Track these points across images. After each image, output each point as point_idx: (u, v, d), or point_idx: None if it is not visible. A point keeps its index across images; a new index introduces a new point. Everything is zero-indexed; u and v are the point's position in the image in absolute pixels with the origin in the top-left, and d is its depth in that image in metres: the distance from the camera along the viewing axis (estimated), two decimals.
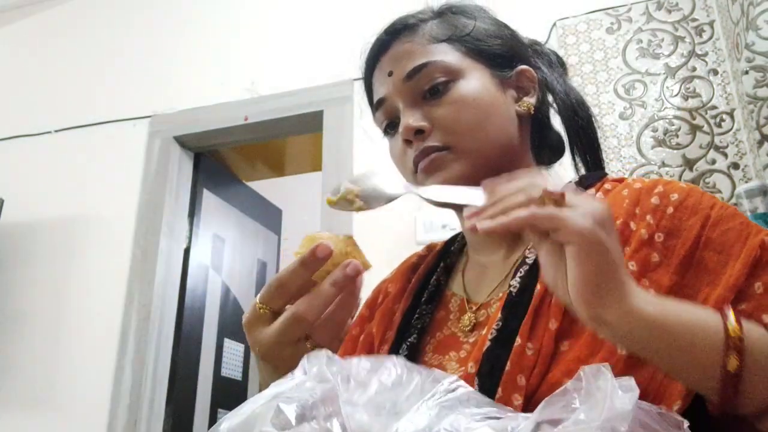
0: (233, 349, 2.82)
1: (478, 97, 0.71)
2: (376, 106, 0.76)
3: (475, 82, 0.72)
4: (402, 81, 0.72)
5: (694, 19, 1.94)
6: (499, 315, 0.62)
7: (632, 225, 0.62)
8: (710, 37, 1.91)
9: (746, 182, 1.68)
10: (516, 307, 0.62)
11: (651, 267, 0.59)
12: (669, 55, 1.92)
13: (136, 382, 2.18)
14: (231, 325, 2.81)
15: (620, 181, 0.71)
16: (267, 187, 3.37)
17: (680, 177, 1.77)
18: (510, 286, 0.64)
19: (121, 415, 2.14)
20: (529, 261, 0.66)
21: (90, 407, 2.18)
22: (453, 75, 0.71)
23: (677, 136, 1.82)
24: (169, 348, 2.35)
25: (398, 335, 0.73)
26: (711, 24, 1.92)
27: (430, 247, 0.87)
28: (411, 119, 0.71)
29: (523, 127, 0.75)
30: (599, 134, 0.82)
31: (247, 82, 2.42)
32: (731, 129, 1.78)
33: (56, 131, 2.65)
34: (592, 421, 0.34)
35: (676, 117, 1.84)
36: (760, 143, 1.57)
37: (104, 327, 2.27)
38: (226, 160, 3.09)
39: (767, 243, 0.59)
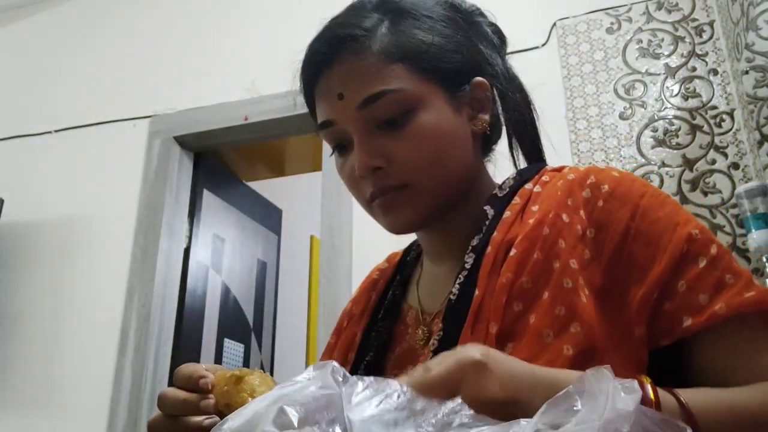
0: (233, 349, 2.82)
1: (437, 129, 0.65)
2: (321, 125, 0.69)
3: (434, 111, 0.66)
4: (355, 109, 0.65)
5: (694, 19, 1.94)
6: (441, 324, 0.62)
7: (564, 217, 0.61)
8: (710, 37, 1.91)
9: (746, 182, 1.68)
10: (456, 314, 0.60)
11: (584, 264, 0.58)
12: (669, 55, 1.93)
13: (136, 382, 2.18)
14: (231, 325, 2.81)
15: (559, 170, 0.69)
16: (267, 187, 3.37)
17: (680, 177, 1.78)
18: (451, 293, 0.63)
19: (121, 415, 2.15)
20: (468, 266, 0.64)
21: (90, 407, 2.19)
22: (411, 105, 0.65)
23: (677, 136, 1.83)
24: (169, 348, 2.35)
25: (358, 356, 0.72)
26: (711, 24, 1.92)
27: (390, 259, 0.86)
28: (367, 156, 0.65)
29: (476, 143, 0.72)
30: (537, 122, 0.78)
31: (247, 82, 2.43)
32: (731, 129, 1.78)
33: (56, 131, 2.65)
34: (593, 422, 0.34)
35: (676, 117, 1.85)
36: (760, 143, 1.57)
37: (104, 327, 2.27)
38: (226, 160, 3.08)
39: (694, 236, 0.58)
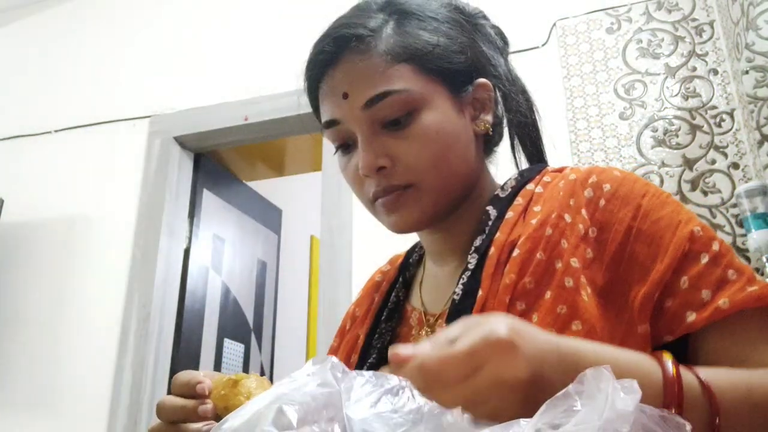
0: (233, 349, 2.82)
1: (440, 130, 0.66)
2: (326, 125, 0.70)
3: (438, 111, 0.67)
4: (360, 109, 0.66)
5: (694, 19, 1.94)
6: (444, 324, 0.62)
7: (567, 217, 0.61)
8: (710, 37, 1.91)
9: (746, 182, 1.68)
10: (460, 315, 0.60)
11: (586, 263, 0.58)
12: (669, 55, 1.92)
13: (136, 382, 2.18)
14: (231, 325, 2.81)
15: (560, 171, 0.70)
16: (267, 187, 3.37)
17: (680, 177, 1.78)
18: (454, 293, 0.63)
19: (121, 415, 2.15)
20: (471, 266, 0.64)
21: (90, 407, 2.19)
22: (416, 105, 0.66)
23: (677, 136, 1.83)
24: (169, 348, 2.35)
25: (361, 358, 0.72)
26: (711, 24, 1.92)
27: (392, 261, 0.86)
28: (372, 155, 0.66)
29: (479, 144, 0.73)
30: (539, 123, 0.78)
31: (247, 82, 2.43)
32: (731, 129, 1.78)
33: (56, 131, 2.65)
34: (593, 422, 0.34)
35: (676, 117, 1.85)
36: (760, 143, 1.57)
37: (104, 327, 2.27)
38: (226, 160, 3.08)
39: (696, 234, 0.58)
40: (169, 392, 0.60)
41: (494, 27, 0.79)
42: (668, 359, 0.48)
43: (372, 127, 0.67)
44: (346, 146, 0.70)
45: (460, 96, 0.70)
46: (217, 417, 0.58)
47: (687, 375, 0.48)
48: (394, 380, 0.41)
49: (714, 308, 0.54)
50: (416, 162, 0.65)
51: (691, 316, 0.55)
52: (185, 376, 0.58)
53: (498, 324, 0.43)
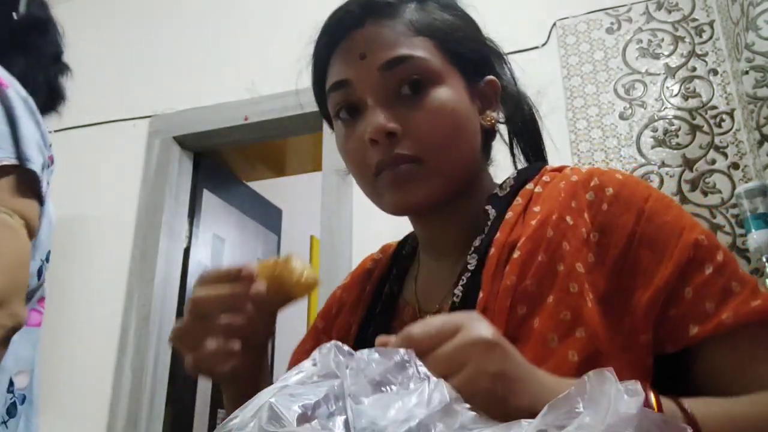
0: None
1: (456, 109, 0.65)
2: (335, 86, 0.67)
3: (454, 91, 0.66)
4: (378, 70, 0.64)
5: (694, 19, 1.94)
6: None
7: (569, 219, 0.60)
8: (710, 37, 1.91)
9: (746, 182, 1.68)
10: None
11: (589, 268, 0.58)
12: (669, 55, 1.92)
13: (136, 382, 2.18)
14: None
15: (560, 170, 0.69)
16: (267, 187, 3.37)
17: (680, 177, 1.78)
18: (453, 295, 0.62)
19: (121, 415, 2.14)
20: (471, 267, 0.63)
21: (90, 407, 2.19)
22: (433, 78, 0.65)
23: (677, 136, 1.83)
24: (169, 348, 2.35)
25: (354, 348, 0.72)
26: (711, 24, 1.92)
27: (384, 249, 0.85)
28: (382, 118, 0.63)
29: (481, 139, 0.73)
30: (540, 125, 0.79)
31: (247, 82, 2.42)
32: (731, 129, 1.78)
33: (56, 131, 2.65)
34: (596, 426, 0.34)
35: (676, 117, 1.85)
36: (760, 143, 1.57)
37: (104, 327, 2.27)
38: (226, 160, 3.08)
39: (701, 242, 0.57)
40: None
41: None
42: (649, 390, 0.48)
43: (386, 90, 0.65)
44: (349, 112, 0.67)
45: (472, 86, 0.70)
46: (263, 306, 0.57)
47: (668, 405, 0.48)
48: (397, 355, 0.42)
49: (717, 322, 0.54)
50: (428, 135, 0.63)
51: (695, 329, 0.55)
52: (215, 270, 0.56)
53: (483, 327, 0.46)
